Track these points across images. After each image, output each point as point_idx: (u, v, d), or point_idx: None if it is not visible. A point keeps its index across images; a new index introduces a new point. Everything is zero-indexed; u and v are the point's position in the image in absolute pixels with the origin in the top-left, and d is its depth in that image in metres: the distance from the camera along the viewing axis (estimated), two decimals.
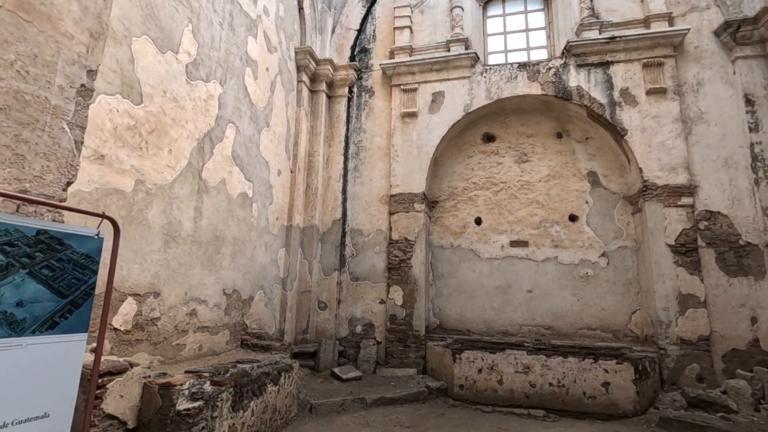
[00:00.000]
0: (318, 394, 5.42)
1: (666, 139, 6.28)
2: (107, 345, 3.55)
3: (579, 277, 6.81)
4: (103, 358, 3.12)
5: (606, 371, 5.36)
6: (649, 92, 6.47)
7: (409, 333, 6.74)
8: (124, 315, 3.72)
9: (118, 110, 3.67)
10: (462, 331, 7.08)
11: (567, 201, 7.09)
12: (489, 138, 7.72)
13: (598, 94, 6.69)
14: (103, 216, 1.39)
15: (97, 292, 1.53)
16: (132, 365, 3.12)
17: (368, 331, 7.01)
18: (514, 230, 7.22)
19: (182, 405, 3.09)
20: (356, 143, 7.82)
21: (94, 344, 3.42)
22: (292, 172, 7.11)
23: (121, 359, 3.13)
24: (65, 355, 1.27)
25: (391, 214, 7.26)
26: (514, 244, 7.18)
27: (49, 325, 1.23)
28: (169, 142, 4.27)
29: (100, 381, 2.86)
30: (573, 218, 7.05)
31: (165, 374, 3.38)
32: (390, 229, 7.21)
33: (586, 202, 7.01)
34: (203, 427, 3.18)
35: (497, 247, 7.23)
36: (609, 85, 6.70)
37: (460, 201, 7.57)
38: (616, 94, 6.64)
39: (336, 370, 6.22)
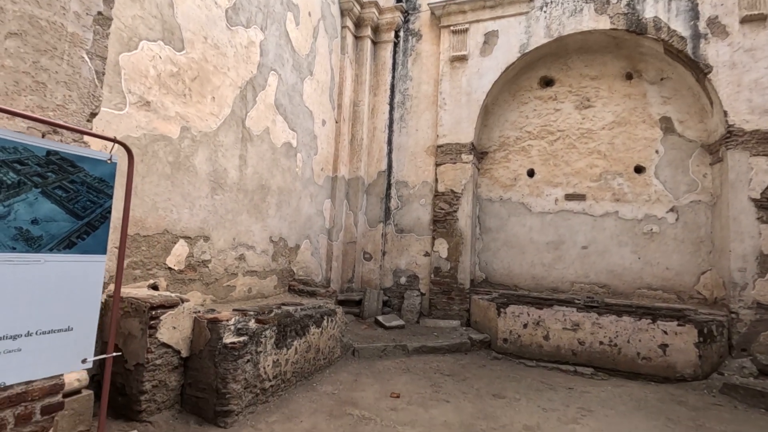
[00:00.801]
0: (361, 340, 5.59)
1: (761, 77, 5.38)
2: (163, 282, 3.81)
3: (642, 234, 6.28)
4: (157, 293, 3.35)
5: (665, 332, 5.01)
6: (744, 20, 5.50)
7: (454, 286, 6.67)
8: (176, 256, 3.96)
9: (160, 57, 3.71)
10: (509, 286, 6.90)
11: (633, 151, 6.42)
12: (547, 82, 7.07)
13: (679, 26, 5.81)
14: (114, 141, 1.38)
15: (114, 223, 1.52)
16: (183, 300, 3.32)
17: (412, 283, 7.05)
18: (570, 183, 6.72)
19: (228, 339, 3.28)
20: (402, 92, 7.51)
21: (152, 281, 3.69)
22: (336, 122, 7.02)
23: (173, 294, 3.34)
24: (85, 274, 1.31)
25: (437, 165, 7.02)
26: (570, 197, 6.71)
27: (67, 244, 1.26)
28: (212, 90, 4.30)
29: (153, 313, 3.09)
30: (639, 170, 6.41)
31: (213, 310, 3.59)
32: (436, 181, 7.00)
33: (656, 152, 6.31)
34: (248, 360, 3.37)
35: (550, 200, 6.81)
36: (694, 14, 5.77)
37: (511, 152, 7.14)
38: (701, 25, 5.72)
39: (380, 318, 6.36)
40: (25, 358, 1.18)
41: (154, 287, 3.70)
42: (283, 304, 4.40)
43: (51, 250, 1.23)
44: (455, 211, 6.80)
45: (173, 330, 3.22)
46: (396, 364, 5.05)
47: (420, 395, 4.12)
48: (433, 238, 6.93)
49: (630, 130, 6.45)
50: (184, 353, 3.31)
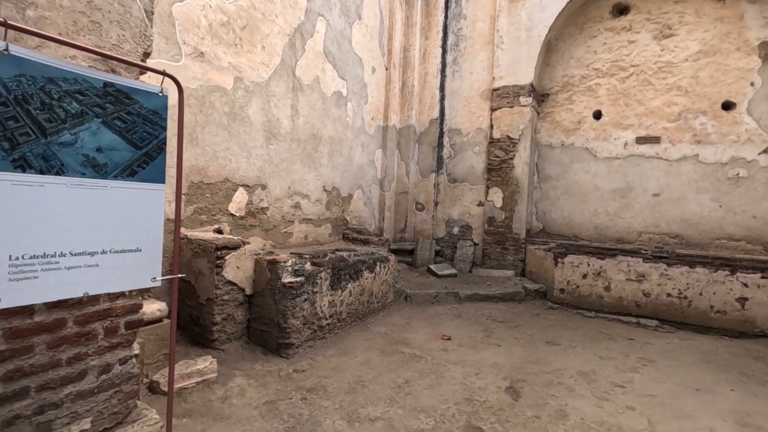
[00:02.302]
0: (413, 286, 5.71)
1: None
2: (226, 227, 4.08)
3: (726, 179, 5.64)
4: (221, 236, 3.60)
5: (745, 285, 4.59)
6: None
7: (508, 236, 6.51)
8: (237, 203, 4.19)
9: (210, 6, 3.75)
10: (567, 236, 6.60)
11: (722, 84, 5.64)
12: (621, 10, 6.29)
13: None
14: (164, 74, 1.43)
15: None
16: (244, 243, 3.55)
17: (465, 233, 6.97)
18: (642, 124, 6.11)
19: (287, 279, 3.49)
20: (455, 32, 7.07)
21: (216, 225, 3.95)
22: (386, 69, 6.82)
23: (235, 237, 3.57)
24: (147, 201, 1.42)
25: (492, 110, 6.67)
26: (642, 140, 6.12)
27: (129, 172, 1.36)
28: (261, 39, 4.31)
29: (218, 253, 3.34)
30: (728, 106, 5.65)
31: (272, 253, 3.80)
32: (491, 127, 6.68)
33: (751, 84, 5.50)
34: (305, 299, 3.58)
35: (619, 144, 6.26)
36: None
37: (576, 92, 6.57)
38: None
39: (432, 266, 6.42)
40: (102, 273, 1.32)
41: (219, 231, 3.97)
42: (337, 250, 4.56)
43: (116, 177, 1.33)
44: (511, 159, 6.50)
45: (237, 269, 3.47)
46: (447, 310, 5.13)
47: (471, 339, 4.18)
48: (487, 187, 6.73)
49: (719, 61, 5.64)
50: (248, 291, 3.58)
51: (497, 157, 6.61)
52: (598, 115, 6.43)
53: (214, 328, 3.37)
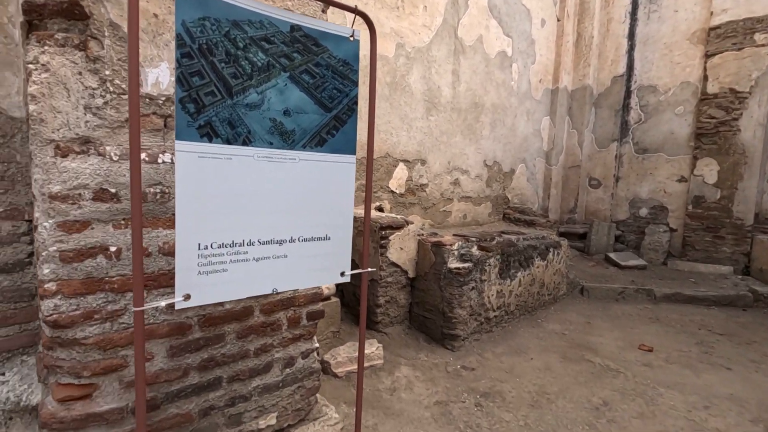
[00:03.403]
0: (589, 278, 4.83)
1: None
2: (387, 205, 3.91)
3: None
4: (384, 214, 3.41)
5: None
6: None
7: (725, 221, 5.01)
8: (397, 179, 3.98)
9: None
10: None
11: None
12: None
13: None
14: (355, 11, 1.11)
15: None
16: (408, 222, 3.30)
17: (657, 215, 5.64)
18: None
19: (453, 264, 3.14)
20: None
21: (378, 203, 3.81)
22: (558, 20, 5.79)
23: (399, 216, 3.35)
24: (337, 177, 1.16)
25: (708, 56, 5.10)
26: None
27: (318, 141, 1.10)
28: None
29: (383, 233, 3.16)
30: None
31: (436, 234, 3.49)
32: (704, 79, 5.13)
33: None
34: (473, 287, 3.19)
35: None
36: None
37: None
38: None
39: (612, 255, 5.37)
40: (290, 266, 1.11)
41: (380, 209, 3.82)
42: (503, 233, 4.02)
43: (304, 147, 1.09)
44: (735, 119, 4.90)
45: (400, 251, 3.25)
46: (638, 311, 4.17)
47: (682, 354, 3.25)
48: (694, 158, 5.26)
49: None
50: (411, 274, 3.35)
51: (712, 118, 5.07)
52: None
53: (378, 311, 3.24)
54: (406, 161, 4.04)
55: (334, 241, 1.20)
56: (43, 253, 1.01)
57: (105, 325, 1.10)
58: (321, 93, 1.10)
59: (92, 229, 1.06)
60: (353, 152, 1.18)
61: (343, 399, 2.43)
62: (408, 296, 3.40)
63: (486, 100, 4.82)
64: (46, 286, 1.02)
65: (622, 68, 5.83)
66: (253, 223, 1.03)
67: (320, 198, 1.14)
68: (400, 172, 3.99)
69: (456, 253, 3.21)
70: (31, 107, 0.95)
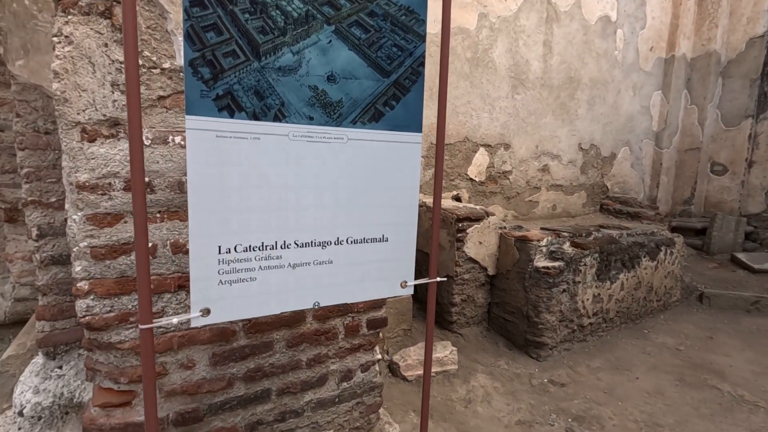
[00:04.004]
0: (710, 282, 4.05)
1: None
2: (465, 194, 3.59)
3: None
4: (461, 205, 3.11)
5: None
6: None
7: None
8: (477, 166, 3.62)
9: None
10: None
11: None
12: None
13: None
14: None
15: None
16: (488, 214, 2.97)
17: None
18: None
19: (540, 262, 2.74)
20: None
21: (455, 192, 3.50)
22: None
23: (478, 207, 3.02)
24: (397, 160, 0.92)
25: None
26: None
27: (372, 115, 0.87)
28: None
29: (459, 225, 2.86)
30: None
31: (521, 227, 3.10)
32: None
33: None
34: (564, 290, 2.77)
35: None
36: None
37: None
38: None
39: (740, 256, 4.46)
40: (336, 273, 0.90)
41: (457, 199, 3.51)
42: (601, 227, 3.48)
43: (354, 123, 0.86)
44: None
45: (479, 245, 2.93)
46: None
47: None
48: None
49: None
50: (491, 271, 3.02)
51: None
52: None
53: (453, 309, 2.97)
54: (487, 146, 3.66)
55: (393, 244, 0.96)
56: (74, 249, 0.92)
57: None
58: (377, 52, 0.86)
59: (125, 222, 0.95)
60: (418, 129, 0.92)
61: (413, 407, 2.22)
62: (487, 295, 3.08)
63: (583, 74, 4.20)
64: (78, 285, 0.93)
65: (762, 27, 4.74)
66: (289, 220, 0.83)
67: (376, 188, 0.91)
68: (481, 158, 3.63)
69: (544, 249, 2.81)
70: (55, 85, 0.84)
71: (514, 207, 3.95)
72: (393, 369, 2.50)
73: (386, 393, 2.29)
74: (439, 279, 1.07)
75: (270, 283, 0.84)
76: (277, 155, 0.80)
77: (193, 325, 0.77)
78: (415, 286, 1.07)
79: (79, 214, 0.91)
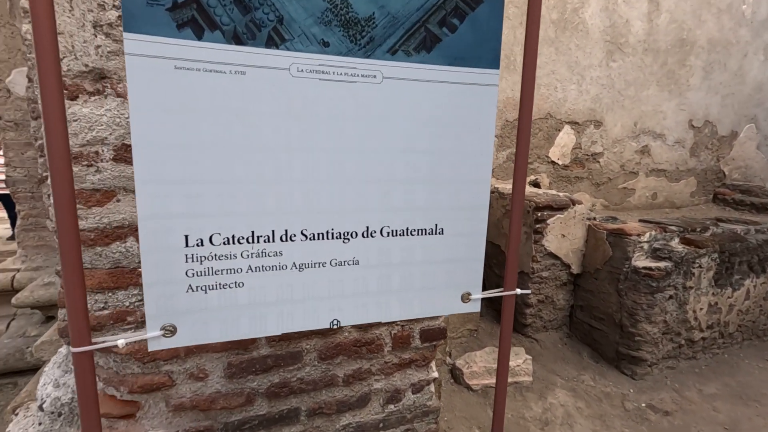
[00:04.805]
0: None
1: None
2: (545, 179, 3.14)
3: None
4: (541, 191, 2.69)
5: None
6: None
7: None
8: (561, 147, 3.15)
9: None
10: None
11: None
12: None
13: None
14: None
15: None
16: (573, 202, 2.53)
17: None
18: None
19: (641, 261, 2.27)
20: None
21: (533, 176, 3.08)
22: None
23: (561, 194, 2.59)
24: (463, 113, 0.60)
25: None
26: None
27: (421, 41, 0.58)
28: None
29: (538, 215, 2.46)
30: None
31: (615, 219, 2.61)
32: None
33: None
34: (670, 296, 2.27)
35: None
36: None
37: None
38: None
39: None
40: (364, 280, 0.63)
41: (536, 184, 3.08)
42: (719, 220, 2.85)
43: (392, 54, 0.59)
44: None
45: (561, 238, 2.51)
46: None
47: None
48: None
49: None
50: (575, 269, 2.59)
51: None
52: None
53: (527, 311, 2.59)
54: (573, 123, 3.16)
55: (451, 238, 0.67)
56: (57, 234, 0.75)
57: (142, 331, 0.83)
58: None
59: (117, 201, 0.77)
60: (494, 63, 0.62)
61: (477, 422, 1.93)
62: (569, 297, 2.66)
63: (699, 34, 3.47)
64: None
65: None
66: (293, 200, 0.57)
67: (426, 154, 0.62)
68: (565, 138, 3.14)
69: (646, 246, 2.32)
70: (24, 27, 0.67)
71: (603, 195, 3.41)
72: (455, 375, 2.22)
73: (446, 402, 2.02)
74: (520, 291, 0.75)
75: (265, 290, 0.60)
76: (273, 100, 0.55)
77: (151, 348, 0.57)
78: (485, 280, 0.77)
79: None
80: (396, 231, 0.64)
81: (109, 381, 0.86)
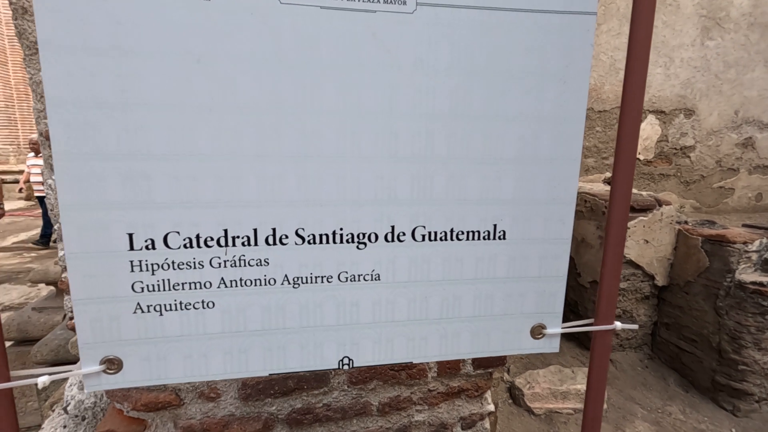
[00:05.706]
0: None
1: None
2: None
3: None
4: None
5: None
6: None
7: None
8: (643, 139, 2.76)
9: None
10: None
11: None
12: None
13: None
14: None
15: None
16: (660, 203, 2.17)
17: None
18: None
19: (748, 275, 1.88)
20: None
21: (609, 173, 2.74)
22: None
23: (644, 193, 2.25)
24: (539, 62, 0.41)
25: None
26: None
27: None
28: None
29: None
30: None
31: (712, 223, 2.21)
32: None
33: None
34: None
35: None
36: None
37: None
38: None
39: None
40: (389, 302, 0.45)
41: (610, 182, 2.72)
42: None
43: None
44: None
45: (644, 245, 2.17)
46: None
47: None
48: None
49: None
50: (660, 281, 2.23)
51: None
52: None
53: None
54: (659, 112, 2.76)
55: (517, 246, 0.46)
56: (56, 226, 0.67)
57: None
58: None
59: None
60: (592, 9, 0.41)
61: None
62: (651, 312, 2.30)
63: None
64: (64, 276, 0.68)
65: None
66: (284, 185, 0.40)
67: (482, 120, 0.42)
68: (648, 129, 2.75)
69: (754, 257, 1.93)
70: None
71: (694, 195, 2.95)
72: (514, 395, 1.98)
73: (504, 426, 1.80)
74: (621, 326, 0.53)
75: (244, 314, 0.42)
76: (253, 38, 0.37)
77: (90, 389, 0.43)
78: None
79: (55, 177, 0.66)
80: (435, 234, 0.44)
81: (114, 395, 0.77)
